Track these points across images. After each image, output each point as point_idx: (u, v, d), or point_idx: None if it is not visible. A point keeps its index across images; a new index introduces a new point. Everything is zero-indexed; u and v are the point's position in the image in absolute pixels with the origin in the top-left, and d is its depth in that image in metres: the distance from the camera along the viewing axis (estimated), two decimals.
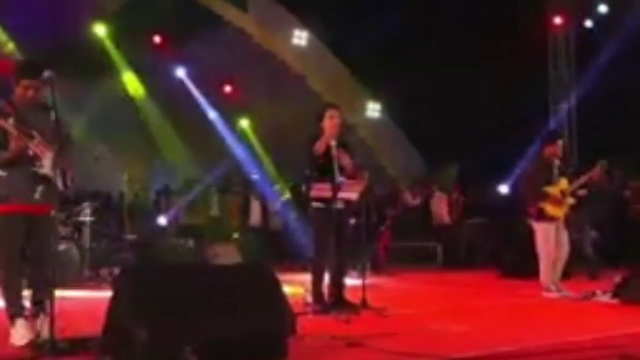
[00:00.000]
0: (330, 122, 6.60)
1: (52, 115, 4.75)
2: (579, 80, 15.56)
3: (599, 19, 15.29)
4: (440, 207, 14.59)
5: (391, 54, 14.97)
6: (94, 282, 9.15)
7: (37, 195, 4.90)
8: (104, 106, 14.28)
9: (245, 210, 14.32)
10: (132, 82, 15.44)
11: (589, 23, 15.42)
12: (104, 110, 14.17)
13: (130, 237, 10.93)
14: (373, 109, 17.07)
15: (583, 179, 8.01)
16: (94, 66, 14.56)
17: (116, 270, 9.06)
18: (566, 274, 8.31)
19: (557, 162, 8.09)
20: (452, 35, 14.75)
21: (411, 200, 14.80)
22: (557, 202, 7.89)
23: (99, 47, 14.60)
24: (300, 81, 16.14)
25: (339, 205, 6.46)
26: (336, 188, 6.32)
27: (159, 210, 13.86)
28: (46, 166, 4.87)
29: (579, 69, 15.64)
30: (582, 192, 8.16)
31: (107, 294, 4.36)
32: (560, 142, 8.19)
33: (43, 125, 4.89)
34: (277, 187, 14.67)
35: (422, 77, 14.87)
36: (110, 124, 13.96)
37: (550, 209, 7.87)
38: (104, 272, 9.56)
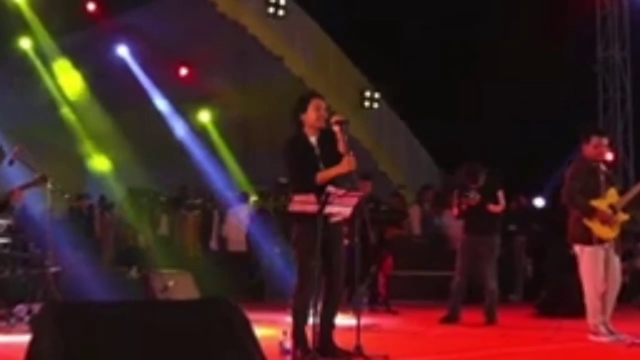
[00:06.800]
0: (316, 114, 6.57)
1: None
2: (634, 64, 15.68)
3: None
4: None
5: (394, 30, 15.03)
6: (6, 322, 9.07)
7: None
8: (21, 94, 14.20)
9: (206, 230, 14.27)
10: (59, 63, 15.38)
11: None
12: (20, 100, 14.10)
13: (55, 264, 10.85)
14: (371, 99, 17.12)
15: (635, 189, 7.99)
16: (8, 43, 14.51)
17: (36, 308, 8.99)
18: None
19: (603, 167, 8.08)
20: (471, 6, 14.82)
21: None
22: (607, 220, 7.88)
23: (15, 18, 14.54)
24: (277, 63, 16.15)
25: (328, 222, 6.43)
26: (324, 201, 6.28)
27: None
28: None
29: (634, 50, 15.77)
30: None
31: (25, 338, 4.34)
32: (605, 141, 8.14)
33: None
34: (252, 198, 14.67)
35: (432, 59, 14.91)
36: (30, 117, 13.88)
37: (598, 228, 7.86)
38: (19, 309, 9.48)
